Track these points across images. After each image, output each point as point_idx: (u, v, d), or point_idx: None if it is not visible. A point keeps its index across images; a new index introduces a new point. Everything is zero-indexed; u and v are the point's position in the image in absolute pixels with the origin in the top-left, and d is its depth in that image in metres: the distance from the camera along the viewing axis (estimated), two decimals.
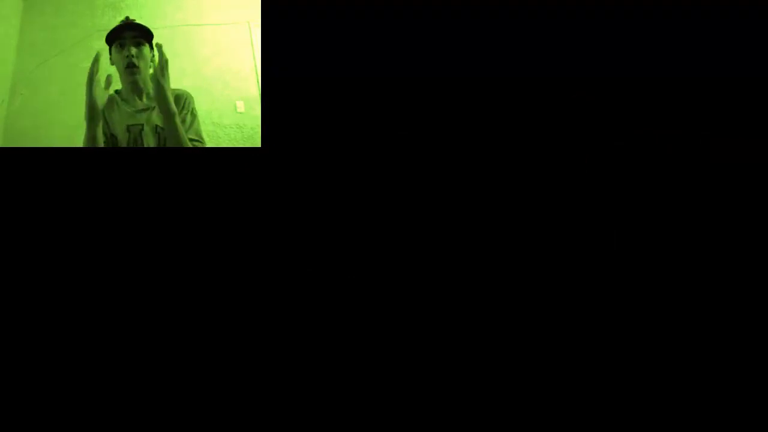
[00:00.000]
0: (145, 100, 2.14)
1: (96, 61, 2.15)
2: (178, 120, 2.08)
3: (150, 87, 2.16)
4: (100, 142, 2.09)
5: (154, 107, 2.11)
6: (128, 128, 2.08)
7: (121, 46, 2.17)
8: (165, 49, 2.17)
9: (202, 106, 1.98)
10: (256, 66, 3.35)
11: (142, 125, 2.08)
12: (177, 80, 2.11)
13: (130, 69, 2.15)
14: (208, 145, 2.13)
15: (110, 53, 2.20)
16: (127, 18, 2.21)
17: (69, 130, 2.95)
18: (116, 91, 2.19)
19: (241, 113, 3.32)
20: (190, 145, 2.08)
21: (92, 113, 2.09)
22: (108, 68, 2.27)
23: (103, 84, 2.15)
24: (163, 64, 2.18)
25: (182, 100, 2.17)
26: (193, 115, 2.16)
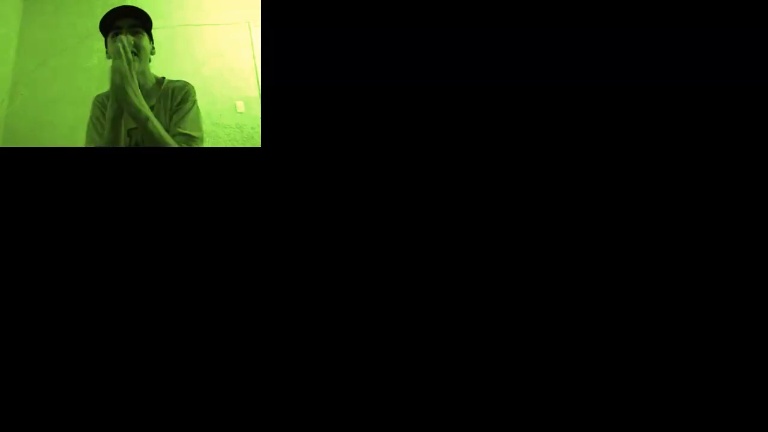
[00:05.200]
0: (145, 99, 1.92)
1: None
2: (152, 125, 1.82)
3: (151, 82, 1.98)
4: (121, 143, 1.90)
5: (153, 106, 1.92)
6: (129, 132, 1.91)
7: (116, 36, 1.92)
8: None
9: (202, 106, 1.95)
10: (256, 66, 3.35)
11: None
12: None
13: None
14: (208, 145, 2.02)
15: (106, 45, 1.97)
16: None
17: (69, 130, 2.94)
18: None
19: (241, 113, 3.32)
20: (173, 143, 1.84)
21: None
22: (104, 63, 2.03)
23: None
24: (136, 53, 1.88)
25: (182, 92, 1.96)
26: (194, 106, 1.96)
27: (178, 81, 2.02)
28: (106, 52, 1.99)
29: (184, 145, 1.88)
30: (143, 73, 1.95)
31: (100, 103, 1.98)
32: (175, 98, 1.97)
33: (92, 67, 3.11)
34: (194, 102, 1.98)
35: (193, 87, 2.00)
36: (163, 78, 2.03)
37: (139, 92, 1.80)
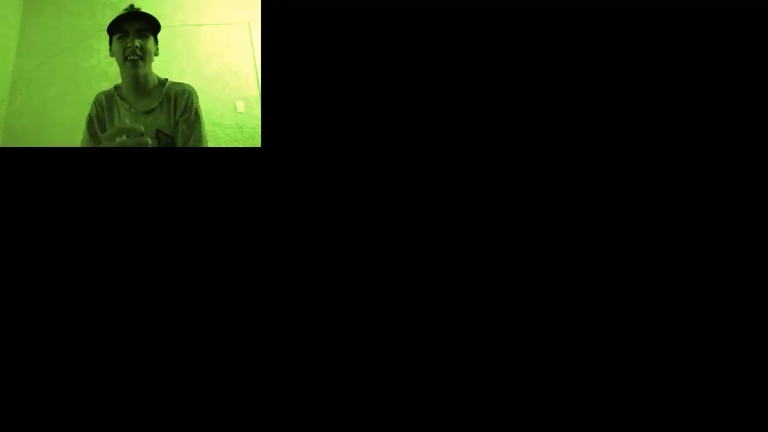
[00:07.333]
0: (147, 99, 1.98)
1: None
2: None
3: (153, 83, 2.00)
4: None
5: (155, 108, 1.96)
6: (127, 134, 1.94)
7: (123, 38, 1.97)
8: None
9: (202, 106, 1.96)
10: (256, 66, 3.35)
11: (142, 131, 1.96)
12: (177, 80, 2.06)
13: (131, 62, 1.96)
14: (208, 145, 2.03)
15: (110, 44, 2.00)
16: (131, 6, 1.99)
17: (69, 130, 2.94)
18: (115, 87, 2.02)
19: (241, 113, 3.32)
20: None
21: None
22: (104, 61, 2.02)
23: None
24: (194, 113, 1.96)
25: (184, 98, 1.98)
26: (197, 117, 1.98)
27: (179, 85, 2.04)
28: (110, 50, 2.01)
29: None
30: (146, 75, 1.98)
31: (97, 101, 2.00)
32: (179, 105, 1.99)
33: (92, 67, 3.11)
34: (197, 110, 2.00)
35: (194, 92, 2.02)
36: (166, 79, 2.04)
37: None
